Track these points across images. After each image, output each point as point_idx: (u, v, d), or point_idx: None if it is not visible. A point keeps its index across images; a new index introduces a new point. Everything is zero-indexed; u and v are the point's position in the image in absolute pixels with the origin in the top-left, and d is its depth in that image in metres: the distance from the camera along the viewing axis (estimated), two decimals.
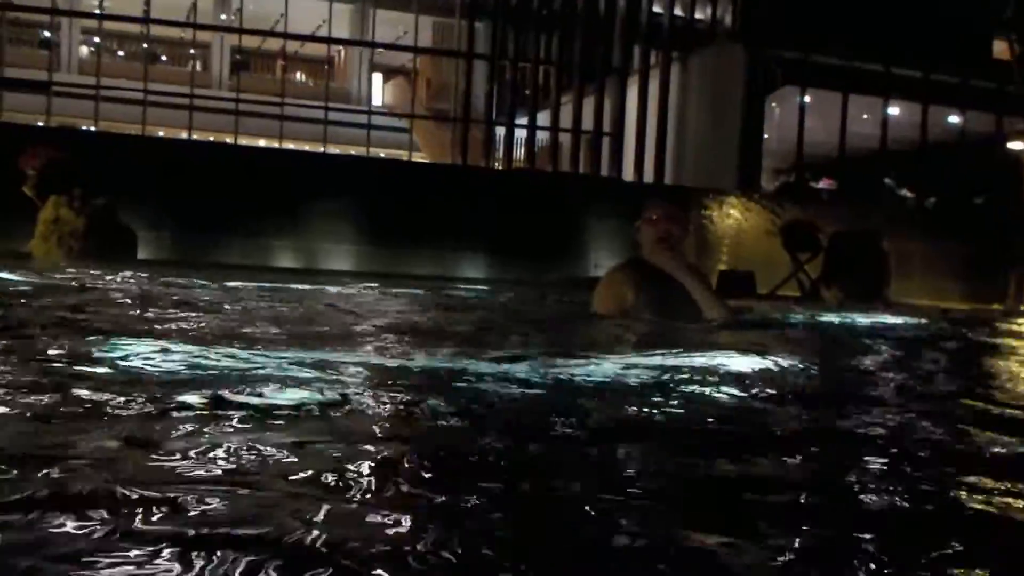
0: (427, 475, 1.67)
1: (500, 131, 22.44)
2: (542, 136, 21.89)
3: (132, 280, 7.06)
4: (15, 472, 1.50)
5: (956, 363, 5.09)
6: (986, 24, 20.40)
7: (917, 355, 5.29)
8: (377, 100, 27.57)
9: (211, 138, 20.79)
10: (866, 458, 1.94)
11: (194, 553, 1.18)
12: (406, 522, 1.38)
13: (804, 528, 1.49)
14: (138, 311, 4.94)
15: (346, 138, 21.65)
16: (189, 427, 1.91)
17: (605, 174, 19.93)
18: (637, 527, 1.45)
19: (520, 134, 22.15)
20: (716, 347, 4.15)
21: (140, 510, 1.34)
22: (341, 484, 1.54)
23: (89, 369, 2.63)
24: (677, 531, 1.44)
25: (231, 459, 1.67)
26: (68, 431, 1.84)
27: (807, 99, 19.84)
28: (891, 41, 18.48)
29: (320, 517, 1.35)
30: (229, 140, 20.15)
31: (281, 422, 2.01)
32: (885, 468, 1.85)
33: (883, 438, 2.18)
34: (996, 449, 2.21)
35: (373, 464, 1.69)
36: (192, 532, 1.25)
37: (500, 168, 21.45)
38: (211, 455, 1.69)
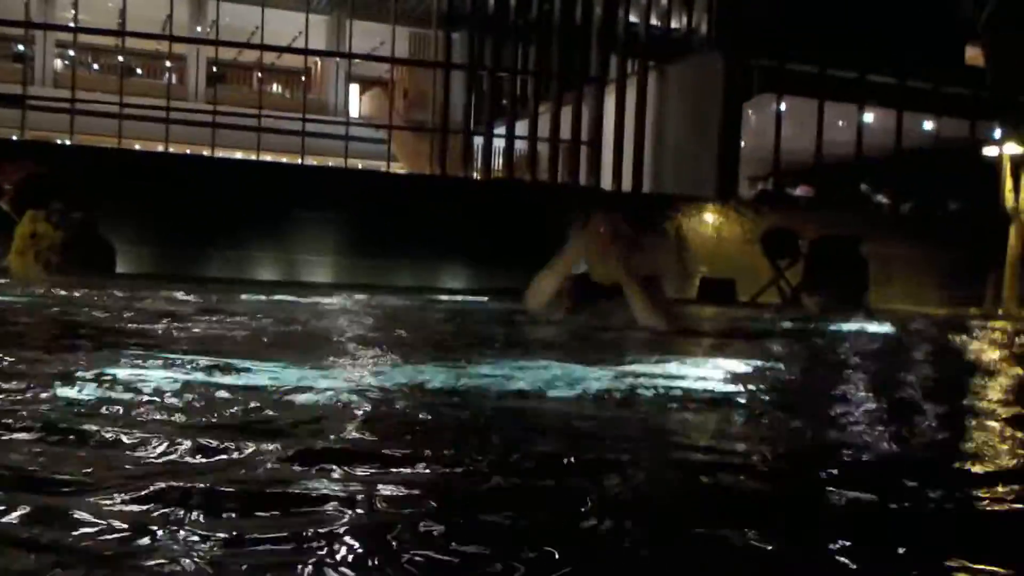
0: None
1: (479, 141, 22.45)
2: (520, 145, 21.92)
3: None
4: None
5: (935, 367, 5.12)
6: (958, 31, 20.61)
7: (898, 359, 5.32)
8: (355, 111, 27.54)
9: (188, 151, 20.69)
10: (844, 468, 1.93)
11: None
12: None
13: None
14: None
15: (324, 149, 21.58)
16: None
17: (584, 183, 19.97)
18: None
19: (499, 143, 22.17)
20: (677, 353, 4.14)
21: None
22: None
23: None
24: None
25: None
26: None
27: (783, 107, 19.97)
28: (865, 49, 18.67)
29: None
30: (206, 152, 20.05)
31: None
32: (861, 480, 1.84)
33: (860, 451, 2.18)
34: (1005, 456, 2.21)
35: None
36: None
37: (479, 178, 21.45)
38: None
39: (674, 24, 20.71)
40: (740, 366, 3.79)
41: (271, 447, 1.75)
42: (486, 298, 9.39)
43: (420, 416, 2.25)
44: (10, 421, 1.80)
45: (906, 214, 20.04)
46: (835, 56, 18.82)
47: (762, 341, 5.87)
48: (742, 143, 19.64)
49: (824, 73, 19.31)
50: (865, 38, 18.43)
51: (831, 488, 1.69)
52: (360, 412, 2.17)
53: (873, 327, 7.47)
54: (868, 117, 20.36)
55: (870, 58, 18.98)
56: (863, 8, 18.37)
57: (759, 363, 3.97)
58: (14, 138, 18.28)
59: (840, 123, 20.16)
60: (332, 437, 1.87)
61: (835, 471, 1.80)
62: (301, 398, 2.31)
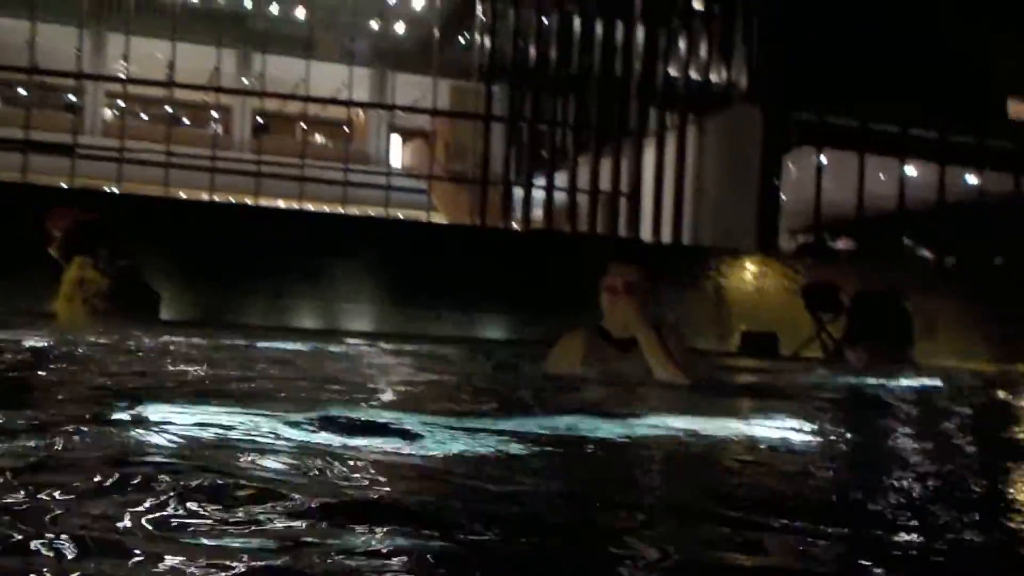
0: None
1: (518, 192, 22.59)
2: (560, 197, 22.03)
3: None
4: None
5: (991, 423, 5.02)
6: (1001, 84, 20.54)
7: (955, 416, 5.22)
8: (396, 162, 27.88)
9: (232, 199, 21.02)
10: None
11: None
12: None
13: None
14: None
15: (365, 199, 21.84)
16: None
17: (623, 234, 19.99)
18: None
19: (538, 195, 22.29)
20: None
21: None
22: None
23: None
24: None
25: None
26: None
27: (824, 160, 19.92)
28: (907, 102, 18.64)
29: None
30: (250, 201, 20.36)
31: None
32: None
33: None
34: None
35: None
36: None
37: (518, 228, 21.55)
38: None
39: (713, 78, 20.82)
40: (787, 421, 3.72)
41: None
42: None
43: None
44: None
45: (950, 268, 19.83)
46: (876, 110, 18.80)
47: (802, 395, 5.77)
48: (782, 196, 19.59)
49: (865, 127, 19.28)
50: (906, 92, 18.40)
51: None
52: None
53: (922, 382, 7.34)
54: (910, 170, 20.26)
55: (912, 112, 18.94)
56: (904, 62, 18.37)
57: (806, 420, 3.90)
58: (63, 186, 18.68)
59: (882, 176, 20.06)
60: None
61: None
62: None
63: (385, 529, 1.55)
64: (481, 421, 3.00)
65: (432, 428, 2.74)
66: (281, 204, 21.31)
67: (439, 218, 24.37)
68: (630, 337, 4.69)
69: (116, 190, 19.27)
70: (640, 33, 21.41)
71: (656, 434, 3.01)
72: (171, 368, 4.94)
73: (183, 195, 20.23)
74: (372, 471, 2.06)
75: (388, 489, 1.93)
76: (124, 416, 2.68)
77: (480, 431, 2.75)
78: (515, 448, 2.52)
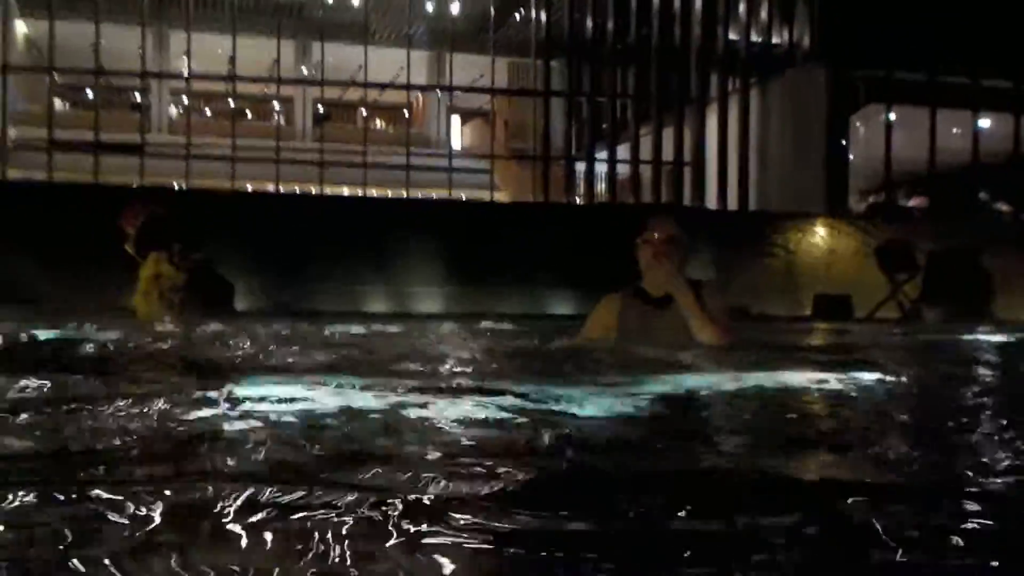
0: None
1: (580, 167, 22.48)
2: (622, 169, 21.87)
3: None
4: None
5: None
6: None
7: None
8: (457, 143, 27.91)
9: (297, 189, 21.28)
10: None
11: None
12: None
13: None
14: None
15: (428, 182, 21.93)
16: None
17: (688, 204, 19.80)
18: None
19: (600, 168, 22.15)
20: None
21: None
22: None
23: None
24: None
25: None
26: None
27: (893, 117, 19.45)
28: (978, 53, 18.07)
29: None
30: (315, 190, 20.59)
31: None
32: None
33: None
34: None
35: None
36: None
37: (582, 203, 21.46)
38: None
39: (775, 39, 20.43)
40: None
41: None
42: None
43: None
44: None
45: None
46: (946, 62, 18.28)
47: (867, 353, 5.63)
48: (850, 156, 19.18)
49: (935, 80, 18.75)
50: (977, 42, 17.84)
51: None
52: None
53: (1004, 338, 7.14)
54: (984, 123, 19.68)
55: (983, 63, 18.36)
56: (974, 12, 17.80)
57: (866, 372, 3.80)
58: (134, 185, 19.10)
59: (954, 130, 19.52)
60: None
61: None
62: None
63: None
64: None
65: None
66: (345, 191, 21.52)
67: (502, 197, 24.38)
68: (668, 295, 4.54)
69: (185, 186, 19.63)
70: None
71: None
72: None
73: (249, 187, 20.54)
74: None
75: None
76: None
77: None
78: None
